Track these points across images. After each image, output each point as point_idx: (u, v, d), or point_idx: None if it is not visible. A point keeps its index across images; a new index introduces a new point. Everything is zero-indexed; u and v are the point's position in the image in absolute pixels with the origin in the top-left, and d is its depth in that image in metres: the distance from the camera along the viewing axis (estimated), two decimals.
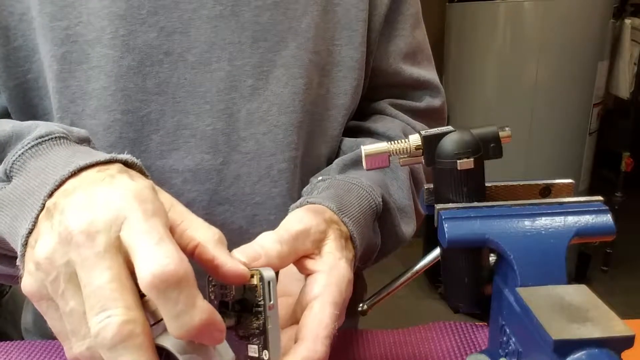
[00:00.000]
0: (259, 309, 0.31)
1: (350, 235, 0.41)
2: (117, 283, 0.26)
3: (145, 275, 0.25)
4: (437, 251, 0.40)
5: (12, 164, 0.35)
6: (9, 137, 0.37)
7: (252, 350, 0.31)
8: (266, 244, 0.34)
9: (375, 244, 0.48)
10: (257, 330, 0.31)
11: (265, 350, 0.31)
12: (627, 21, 2.16)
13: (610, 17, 1.97)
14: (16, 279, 0.31)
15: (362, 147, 0.38)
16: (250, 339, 0.31)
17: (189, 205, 0.49)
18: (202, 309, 0.26)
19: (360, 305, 0.41)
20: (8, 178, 0.35)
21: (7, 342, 0.49)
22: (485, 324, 0.43)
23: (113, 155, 0.33)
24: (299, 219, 0.37)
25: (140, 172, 0.34)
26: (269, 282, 0.30)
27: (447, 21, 2.19)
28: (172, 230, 0.30)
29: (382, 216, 0.49)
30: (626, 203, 2.31)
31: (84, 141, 0.39)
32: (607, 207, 0.33)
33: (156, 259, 0.25)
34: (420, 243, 2.20)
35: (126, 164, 0.33)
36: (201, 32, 0.49)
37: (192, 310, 0.26)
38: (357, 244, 0.41)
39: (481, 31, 2.01)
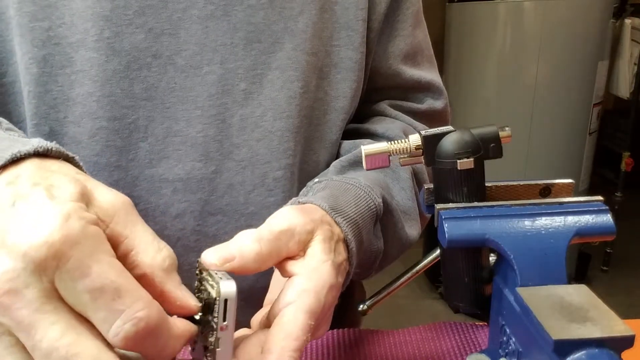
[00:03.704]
0: (214, 325, 0.28)
1: (345, 237, 0.38)
2: (70, 335, 0.23)
3: (116, 342, 0.24)
4: (437, 251, 0.40)
5: None
6: None
7: None
8: (243, 244, 0.31)
9: (378, 248, 0.46)
10: (211, 346, 0.28)
11: None
12: (627, 21, 2.16)
13: (610, 17, 1.98)
14: None
15: (362, 147, 0.37)
16: (205, 353, 0.28)
17: (179, 215, 0.48)
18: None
19: (360, 305, 0.41)
20: None
21: None
22: (485, 324, 0.43)
23: (17, 152, 0.27)
24: (284, 217, 0.34)
25: (58, 156, 0.29)
26: (225, 300, 0.27)
27: (447, 21, 2.19)
28: (114, 247, 0.26)
29: (384, 219, 0.47)
30: (626, 203, 2.31)
31: None
32: (607, 207, 0.33)
33: (117, 329, 0.23)
34: (420, 243, 2.19)
35: (38, 154, 0.28)
36: (191, 33, 0.46)
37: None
38: (353, 247, 0.38)
39: (481, 31, 2.01)
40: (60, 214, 0.24)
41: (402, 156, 0.37)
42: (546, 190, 0.37)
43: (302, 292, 0.31)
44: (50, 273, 0.23)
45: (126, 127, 0.46)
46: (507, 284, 0.33)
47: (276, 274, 0.39)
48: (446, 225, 0.33)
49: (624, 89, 2.28)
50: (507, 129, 0.36)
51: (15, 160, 0.27)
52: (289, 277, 0.33)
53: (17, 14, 0.44)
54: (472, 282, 0.37)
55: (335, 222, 0.38)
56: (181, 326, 0.27)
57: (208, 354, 0.28)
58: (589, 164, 2.13)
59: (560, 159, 2.03)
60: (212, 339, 0.28)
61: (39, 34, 0.44)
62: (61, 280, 0.23)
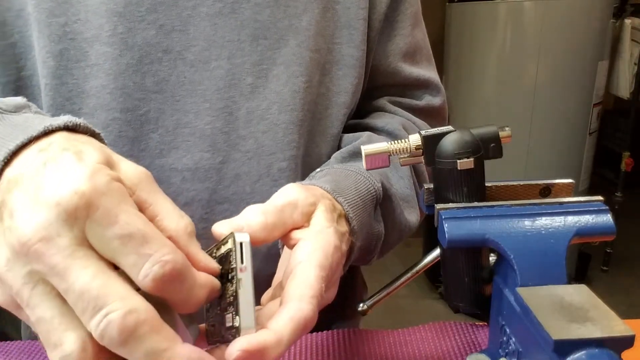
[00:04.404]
0: (233, 273, 0.29)
1: (346, 214, 0.40)
2: (101, 278, 0.24)
3: (146, 284, 0.25)
4: (437, 251, 0.40)
5: None
6: None
7: (229, 320, 0.29)
8: (250, 216, 0.33)
9: (379, 232, 0.48)
10: (232, 298, 0.29)
11: (237, 317, 0.28)
12: (627, 21, 2.16)
13: (610, 17, 1.97)
14: None
15: (362, 147, 0.38)
16: (228, 309, 0.29)
17: (188, 204, 0.50)
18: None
19: (360, 305, 0.41)
20: None
21: (7, 342, 0.49)
22: (485, 324, 0.43)
23: (49, 125, 0.29)
24: (287, 192, 0.36)
25: (86, 131, 0.31)
26: (241, 244, 0.29)
27: (447, 21, 2.19)
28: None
29: (384, 204, 0.48)
30: (626, 203, 2.31)
31: (22, 108, 0.36)
32: (607, 207, 0.33)
33: (146, 271, 0.25)
34: (420, 243, 2.20)
35: (68, 128, 0.30)
36: (200, 29, 0.49)
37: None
38: (354, 225, 0.40)
39: (481, 31, 2.01)
40: (87, 171, 0.26)
41: (402, 156, 0.37)
42: (546, 190, 0.37)
43: (311, 251, 0.33)
44: (81, 222, 0.25)
45: (138, 119, 0.48)
46: (507, 284, 0.33)
47: (282, 257, 0.40)
48: (446, 225, 0.33)
49: (624, 89, 2.28)
50: (507, 129, 0.36)
51: (47, 133, 0.29)
52: (296, 244, 0.34)
53: (35, 10, 0.46)
54: (472, 282, 0.37)
55: (337, 200, 0.40)
56: (205, 277, 0.28)
57: (230, 307, 0.29)
58: (589, 164, 2.13)
59: (560, 159, 2.03)
60: (233, 288, 0.29)
61: (55, 30, 0.46)
62: (91, 229, 0.25)
